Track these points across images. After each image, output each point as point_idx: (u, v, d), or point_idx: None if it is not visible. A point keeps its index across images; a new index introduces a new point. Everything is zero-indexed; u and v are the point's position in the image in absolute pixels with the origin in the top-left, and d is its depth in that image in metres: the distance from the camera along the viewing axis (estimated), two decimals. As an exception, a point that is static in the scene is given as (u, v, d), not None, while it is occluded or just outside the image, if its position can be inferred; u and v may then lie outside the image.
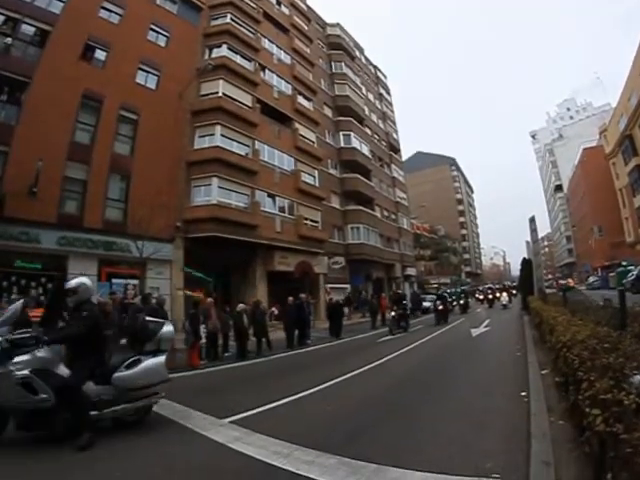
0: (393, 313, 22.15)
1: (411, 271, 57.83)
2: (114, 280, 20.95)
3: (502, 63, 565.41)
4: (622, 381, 3.42)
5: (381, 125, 56.64)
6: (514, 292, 38.67)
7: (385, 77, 63.69)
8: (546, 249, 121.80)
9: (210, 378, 11.72)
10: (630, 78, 45.54)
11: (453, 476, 4.39)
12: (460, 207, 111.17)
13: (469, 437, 5.64)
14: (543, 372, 8.58)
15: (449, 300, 30.93)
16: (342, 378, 10.45)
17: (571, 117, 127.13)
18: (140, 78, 23.72)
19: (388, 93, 63.32)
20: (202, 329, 14.40)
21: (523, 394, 7.39)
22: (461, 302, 35.81)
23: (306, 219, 32.77)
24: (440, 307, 25.91)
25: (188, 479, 4.90)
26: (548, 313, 9.63)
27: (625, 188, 53.11)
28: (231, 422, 6.90)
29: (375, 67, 60.83)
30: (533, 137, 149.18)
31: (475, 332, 18.34)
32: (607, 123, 60.07)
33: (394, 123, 62.59)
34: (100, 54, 22.02)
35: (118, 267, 21.43)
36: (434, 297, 31.43)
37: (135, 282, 21.60)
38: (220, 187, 25.13)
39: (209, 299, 16.54)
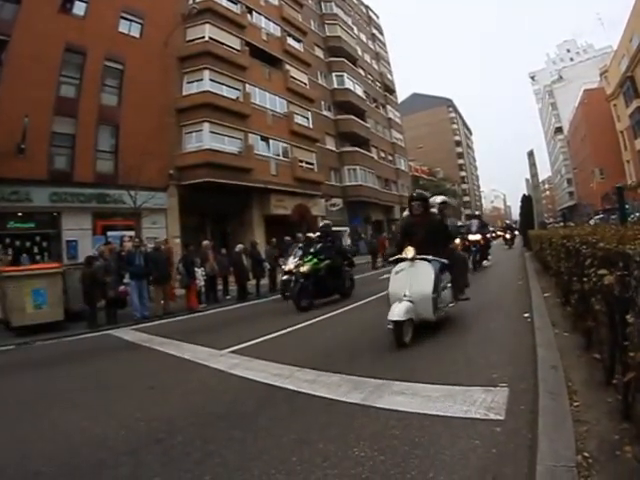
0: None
1: (409, 213, 57.43)
2: (109, 233, 20.90)
3: (501, 2, 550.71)
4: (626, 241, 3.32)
5: (375, 66, 55.58)
6: (516, 232, 37.79)
7: (377, 17, 62.32)
8: (547, 192, 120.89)
9: (209, 319, 11.95)
10: (631, 19, 44.40)
11: (457, 386, 4.39)
12: (459, 149, 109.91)
13: (473, 353, 5.67)
14: (545, 295, 8.68)
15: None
16: (344, 309, 10.81)
17: (571, 59, 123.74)
18: (123, 27, 23.00)
19: (381, 33, 61.96)
20: (200, 272, 14.48)
21: (526, 315, 7.45)
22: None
23: (301, 161, 32.54)
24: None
25: (186, 400, 4.98)
26: (547, 232, 9.73)
27: (626, 130, 52.38)
28: (231, 352, 7.04)
29: (367, 7, 59.35)
30: (532, 78, 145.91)
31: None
32: (608, 64, 58.66)
33: (388, 64, 61.38)
34: (79, 5, 21.24)
35: (113, 219, 21.37)
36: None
37: (131, 233, 21.25)
38: (212, 132, 24.77)
39: (205, 241, 16.47)
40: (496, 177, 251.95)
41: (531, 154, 22.03)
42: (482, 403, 3.92)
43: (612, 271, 3.19)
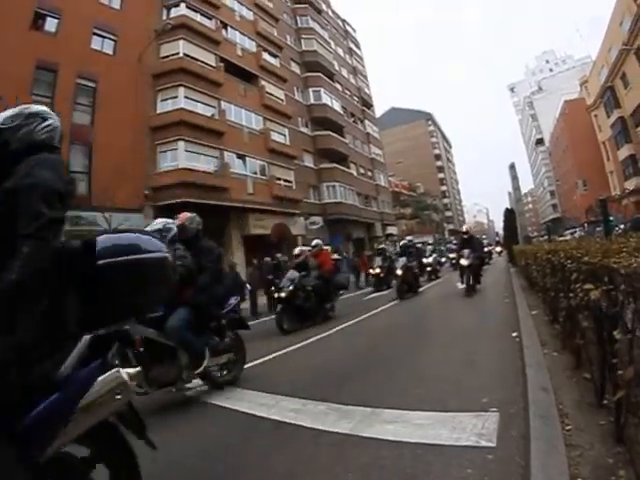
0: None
1: (392, 230, 57.55)
2: None
3: (479, 14, 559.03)
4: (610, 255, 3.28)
5: (352, 80, 55.73)
6: (498, 249, 40.70)
7: (354, 31, 62.63)
8: (530, 205, 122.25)
9: None
10: (610, 29, 45.23)
11: (448, 412, 4.30)
12: (439, 163, 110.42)
13: (462, 376, 5.55)
14: (533, 312, 8.64)
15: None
16: (330, 332, 10.62)
17: (550, 69, 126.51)
18: (96, 44, 22.70)
19: (358, 47, 62.28)
20: None
21: (514, 335, 7.34)
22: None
23: (279, 179, 32.20)
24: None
25: (169, 433, 4.60)
26: (532, 247, 10.15)
27: (608, 141, 53.14)
28: None
29: (344, 21, 59.63)
30: (512, 90, 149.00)
31: (461, 286, 17.86)
32: (588, 75, 59.92)
33: (365, 78, 61.67)
34: (51, 22, 20.92)
35: None
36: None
37: None
38: (187, 150, 24.43)
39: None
40: (478, 191, 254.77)
41: (512, 167, 22.25)
42: (473, 429, 3.83)
43: (598, 286, 3.22)
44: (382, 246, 24.06)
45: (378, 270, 21.85)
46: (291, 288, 11.76)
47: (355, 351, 8.14)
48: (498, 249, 43.51)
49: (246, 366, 7.01)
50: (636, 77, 39.91)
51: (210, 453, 4.04)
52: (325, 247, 14.33)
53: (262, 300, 18.79)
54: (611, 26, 44.31)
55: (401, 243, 20.91)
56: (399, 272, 16.63)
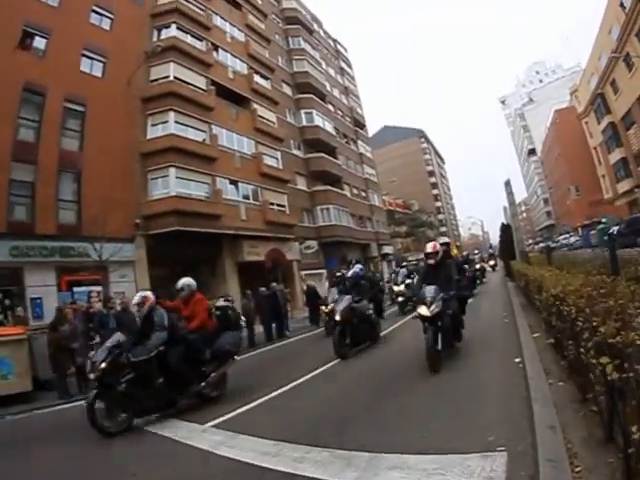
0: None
1: (388, 249, 57.57)
2: (75, 289, 19.59)
3: (467, 29, 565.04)
4: (629, 322, 3.15)
5: (344, 100, 55.74)
6: (492, 263, 39.55)
7: (346, 50, 62.78)
8: (524, 214, 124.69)
9: None
10: (599, 37, 46.17)
11: (453, 454, 4.21)
12: (432, 179, 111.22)
13: (466, 410, 5.52)
14: (535, 335, 8.61)
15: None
16: (325, 367, 10.20)
17: (540, 80, 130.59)
18: (85, 66, 21.98)
19: (349, 67, 62.38)
20: None
21: (517, 360, 7.28)
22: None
23: (272, 204, 31.72)
24: None
25: None
26: (534, 271, 9.61)
27: (600, 146, 54.33)
28: (213, 426, 6.77)
29: (335, 40, 59.78)
30: (503, 103, 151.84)
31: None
32: (578, 83, 61.68)
33: (358, 97, 61.80)
34: (40, 41, 20.24)
35: (78, 274, 19.96)
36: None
37: (98, 288, 20.11)
38: (178, 177, 23.82)
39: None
40: (472, 204, 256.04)
41: (508, 184, 22.59)
42: (481, 473, 3.77)
43: (613, 361, 3.02)
44: (339, 273, 17.63)
45: (332, 306, 14.01)
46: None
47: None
48: (492, 262, 42.07)
49: (243, 409, 7.46)
50: (625, 82, 41.21)
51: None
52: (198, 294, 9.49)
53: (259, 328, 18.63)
54: (600, 35, 45.33)
55: (344, 272, 16.48)
56: (337, 317, 11.52)
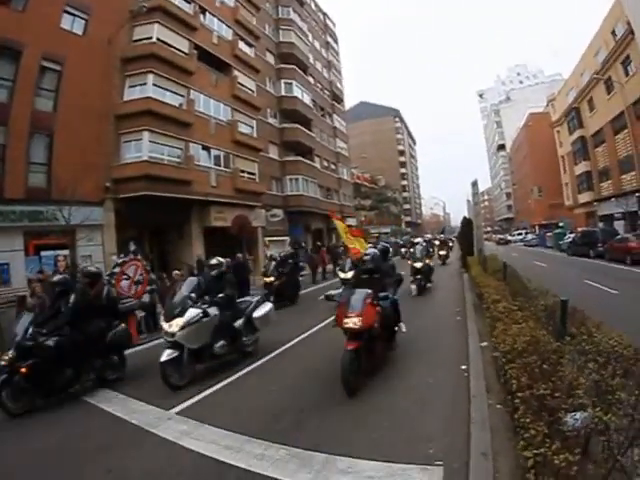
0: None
1: (351, 221, 57.98)
2: (43, 253, 19.34)
3: (458, 20, 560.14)
4: (556, 423, 3.43)
5: (325, 74, 55.66)
6: (444, 253, 34.44)
7: (334, 25, 62.68)
8: (486, 202, 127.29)
9: (151, 355, 9.93)
10: (585, 56, 47.37)
11: (396, 464, 4.62)
12: (402, 158, 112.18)
13: (411, 417, 5.95)
14: (482, 345, 8.79)
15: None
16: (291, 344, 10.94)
17: (521, 82, 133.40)
18: (66, 22, 20.91)
19: (335, 42, 62.49)
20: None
21: (463, 367, 7.69)
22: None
23: (243, 171, 31.90)
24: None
25: None
26: (489, 294, 9.53)
27: (567, 156, 57.35)
28: (178, 413, 6.89)
29: (325, 14, 59.57)
30: (480, 96, 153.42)
31: (415, 290, 17.55)
32: (556, 93, 63.25)
33: (339, 72, 61.80)
34: (19, -5, 19.13)
35: (46, 238, 19.58)
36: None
37: (65, 252, 19.76)
38: (151, 141, 23.56)
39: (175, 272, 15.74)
40: (437, 184, 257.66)
41: (475, 184, 22.68)
42: None
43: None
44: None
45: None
46: None
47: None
48: (442, 252, 33.07)
49: (208, 392, 7.78)
50: (602, 103, 43.19)
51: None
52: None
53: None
54: (587, 54, 46.45)
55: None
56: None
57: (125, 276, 13.03)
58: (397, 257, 35.12)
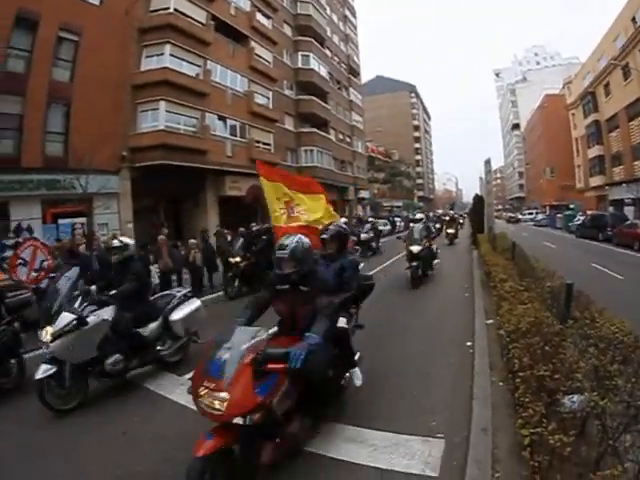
0: None
1: (364, 194, 58.43)
2: (60, 221, 19.52)
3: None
4: (553, 404, 3.57)
5: (342, 47, 55.07)
6: (452, 231, 31.15)
7: (353, -1, 61.43)
8: (498, 181, 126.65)
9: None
10: (603, 41, 46.71)
11: (400, 434, 4.75)
12: (416, 134, 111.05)
13: (416, 390, 6.04)
14: (488, 322, 8.79)
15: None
16: None
17: (537, 62, 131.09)
18: None
19: (354, 15, 61.60)
20: (154, 269, 13.75)
21: (469, 344, 7.75)
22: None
23: (258, 142, 32.00)
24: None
25: (158, 449, 4.88)
26: (496, 273, 9.58)
27: (581, 138, 56.76)
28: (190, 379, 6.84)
29: (344, -13, 58.32)
30: (497, 75, 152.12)
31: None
32: (573, 76, 62.21)
33: (356, 46, 61.12)
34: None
35: (63, 206, 19.81)
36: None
37: (82, 220, 20.19)
38: (168, 111, 23.70)
39: (160, 236, 15.21)
40: (451, 159, 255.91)
41: (488, 162, 22.33)
42: (421, 457, 4.32)
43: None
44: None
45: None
46: None
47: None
48: (451, 231, 29.72)
49: None
50: (618, 89, 42.63)
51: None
52: None
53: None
54: (605, 39, 45.79)
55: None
56: None
57: (21, 260, 10.79)
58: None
